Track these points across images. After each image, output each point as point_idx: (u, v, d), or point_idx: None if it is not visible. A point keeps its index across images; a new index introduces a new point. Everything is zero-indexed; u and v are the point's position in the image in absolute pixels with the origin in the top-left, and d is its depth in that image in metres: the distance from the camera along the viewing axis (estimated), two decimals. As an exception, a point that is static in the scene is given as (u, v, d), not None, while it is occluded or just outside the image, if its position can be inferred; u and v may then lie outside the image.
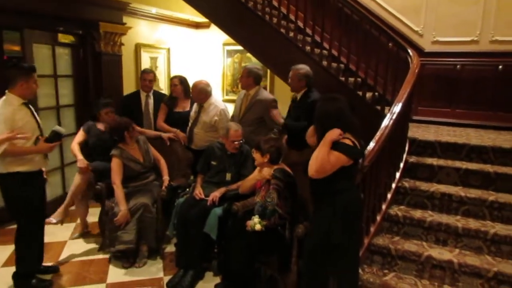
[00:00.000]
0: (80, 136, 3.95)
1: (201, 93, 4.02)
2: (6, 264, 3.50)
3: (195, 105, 4.17)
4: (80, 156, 3.75)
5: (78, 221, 4.23)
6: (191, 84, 4.47)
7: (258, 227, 2.79)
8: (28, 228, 3.01)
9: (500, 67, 4.61)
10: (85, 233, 4.09)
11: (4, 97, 2.86)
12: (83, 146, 3.91)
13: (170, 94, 4.56)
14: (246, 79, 3.96)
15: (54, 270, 3.34)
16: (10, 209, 3.00)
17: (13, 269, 3.10)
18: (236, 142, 3.45)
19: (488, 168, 3.43)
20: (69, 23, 4.56)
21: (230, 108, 4.46)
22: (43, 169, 3.09)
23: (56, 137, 3.00)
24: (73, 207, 3.93)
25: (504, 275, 2.71)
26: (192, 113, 4.16)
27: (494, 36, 4.68)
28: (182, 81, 4.38)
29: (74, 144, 3.87)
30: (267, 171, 3.00)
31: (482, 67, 4.72)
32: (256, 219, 2.84)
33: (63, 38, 4.60)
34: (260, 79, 4.02)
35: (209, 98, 4.05)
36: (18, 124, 2.81)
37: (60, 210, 3.72)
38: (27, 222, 2.99)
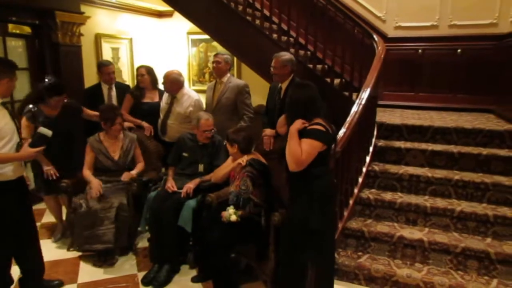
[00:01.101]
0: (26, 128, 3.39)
1: (174, 84, 3.89)
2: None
3: (165, 96, 4.04)
4: (45, 162, 3.44)
5: (44, 221, 4.02)
6: (157, 74, 4.34)
7: (233, 218, 2.75)
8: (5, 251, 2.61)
9: (459, 50, 4.77)
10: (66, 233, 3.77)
11: None
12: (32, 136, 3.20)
13: (136, 84, 4.38)
14: (225, 65, 3.93)
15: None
16: None
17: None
18: (207, 132, 3.37)
19: (452, 148, 3.55)
20: (21, 12, 4.24)
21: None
22: (24, 174, 2.74)
23: (41, 141, 2.62)
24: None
25: (471, 250, 2.84)
26: (164, 105, 4.02)
27: (453, 21, 4.82)
28: (149, 71, 4.22)
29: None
30: (241, 159, 2.96)
31: (442, 51, 4.87)
32: (231, 210, 2.80)
33: (14, 28, 4.29)
34: (231, 66, 3.99)
35: (181, 88, 3.95)
36: None
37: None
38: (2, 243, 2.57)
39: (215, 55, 3.99)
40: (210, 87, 4.10)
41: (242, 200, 2.81)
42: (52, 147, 3.16)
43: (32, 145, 2.58)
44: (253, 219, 2.81)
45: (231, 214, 2.76)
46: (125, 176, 3.45)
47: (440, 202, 3.20)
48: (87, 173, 3.45)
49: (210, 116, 3.45)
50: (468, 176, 3.32)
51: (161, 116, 4.01)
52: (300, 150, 2.26)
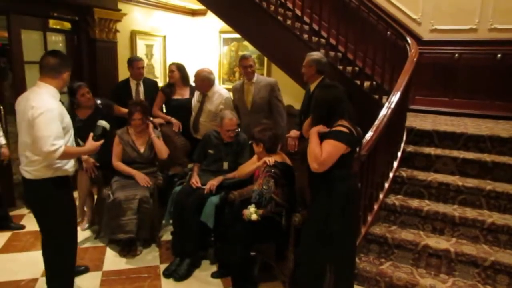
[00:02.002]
0: None
1: (205, 81, 3.93)
2: (2, 251, 3.45)
3: (197, 94, 4.10)
4: (84, 156, 3.59)
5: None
6: (189, 72, 4.40)
7: (254, 217, 2.74)
8: (66, 236, 2.60)
9: (499, 55, 4.56)
10: (94, 222, 3.91)
11: (41, 88, 2.38)
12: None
13: (167, 81, 4.47)
14: (254, 67, 3.89)
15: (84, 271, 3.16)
16: (44, 218, 2.53)
17: (9, 256, 3.00)
18: (230, 132, 3.39)
19: (486, 157, 3.40)
20: (62, 8, 4.43)
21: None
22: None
23: (102, 134, 2.59)
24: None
25: (501, 264, 2.70)
26: (195, 103, 4.07)
27: (493, 24, 4.61)
28: (180, 67, 4.30)
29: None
30: (268, 158, 2.95)
31: (480, 56, 4.67)
32: (252, 208, 2.80)
33: (55, 24, 4.47)
34: None
35: (212, 86, 3.98)
36: (64, 120, 2.40)
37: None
38: (64, 230, 2.57)
39: (245, 59, 3.83)
40: (238, 88, 4.01)
41: (264, 199, 2.80)
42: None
43: (96, 138, 2.57)
44: (274, 219, 2.80)
45: (251, 213, 2.76)
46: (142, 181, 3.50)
47: (470, 212, 3.07)
48: (119, 164, 3.56)
49: (234, 115, 3.46)
50: (501, 187, 3.17)
51: (193, 114, 4.06)
52: (319, 151, 2.23)
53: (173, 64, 4.37)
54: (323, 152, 2.22)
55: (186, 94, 4.29)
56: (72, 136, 2.54)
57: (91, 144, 2.55)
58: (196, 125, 4.03)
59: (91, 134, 2.60)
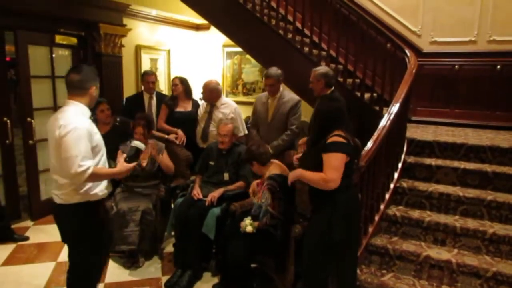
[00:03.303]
0: None
1: (213, 92, 4.01)
2: (6, 263, 3.47)
3: (203, 106, 4.16)
4: None
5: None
6: (192, 85, 4.47)
7: (249, 229, 2.76)
8: (93, 266, 2.45)
9: (498, 66, 4.56)
10: None
11: (69, 106, 2.23)
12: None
13: (171, 94, 4.53)
14: (277, 83, 3.77)
15: None
16: (73, 248, 2.37)
17: (13, 268, 2.99)
18: (223, 136, 3.41)
19: (486, 167, 3.38)
20: (69, 24, 4.53)
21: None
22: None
23: (136, 155, 2.41)
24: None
25: (503, 275, 2.67)
26: (202, 113, 4.12)
27: (492, 36, 4.63)
28: (183, 81, 4.36)
29: None
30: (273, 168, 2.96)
31: (480, 67, 4.67)
32: (247, 220, 2.81)
33: (61, 39, 4.56)
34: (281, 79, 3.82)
35: (220, 97, 4.07)
36: (94, 139, 2.24)
37: None
38: (92, 260, 2.41)
39: (266, 78, 3.78)
40: (262, 101, 3.96)
41: (261, 212, 2.80)
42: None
43: (129, 160, 2.38)
44: (270, 232, 2.79)
45: (247, 225, 2.78)
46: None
47: (471, 223, 3.04)
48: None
49: (232, 123, 3.50)
50: (502, 197, 3.14)
51: (201, 124, 4.09)
52: (319, 174, 2.23)
53: (176, 77, 4.44)
54: (325, 169, 2.22)
55: (188, 107, 4.34)
56: (104, 156, 2.36)
57: (123, 165, 2.33)
58: (205, 135, 4.06)
59: (123, 155, 2.46)
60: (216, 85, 4.05)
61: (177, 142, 4.08)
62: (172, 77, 6.20)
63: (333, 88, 3.46)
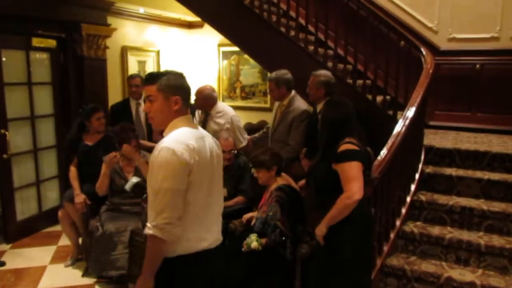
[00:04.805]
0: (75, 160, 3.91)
1: (207, 100, 4.04)
2: (52, 261, 3.87)
3: (197, 114, 4.21)
4: (78, 190, 3.73)
5: (60, 244, 4.23)
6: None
7: (254, 244, 2.75)
8: None
9: (525, 65, 4.63)
10: (79, 258, 3.97)
11: None
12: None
13: None
14: (278, 89, 3.77)
15: None
16: None
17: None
18: (225, 153, 3.45)
19: (513, 178, 3.42)
20: (47, 25, 4.57)
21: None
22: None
23: (133, 191, 2.72)
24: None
25: (533, 297, 2.70)
26: (197, 123, 4.14)
27: (517, 32, 4.70)
28: None
29: (73, 171, 3.84)
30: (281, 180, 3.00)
31: (503, 66, 4.73)
32: (253, 236, 2.82)
33: (38, 42, 4.63)
34: (291, 84, 3.79)
35: (215, 104, 4.09)
36: None
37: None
38: None
39: (268, 79, 3.85)
40: (275, 108, 3.99)
41: (268, 227, 2.81)
42: (86, 175, 3.74)
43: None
44: (278, 251, 2.81)
45: (252, 240, 2.76)
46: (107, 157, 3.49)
47: (497, 240, 3.07)
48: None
49: (230, 136, 3.53)
50: (532, 210, 3.19)
51: None
52: (339, 200, 2.27)
53: None
54: (344, 183, 2.26)
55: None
56: None
57: None
58: None
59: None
60: (211, 91, 4.08)
61: None
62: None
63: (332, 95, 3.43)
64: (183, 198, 1.78)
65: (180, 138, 1.81)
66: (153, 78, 1.90)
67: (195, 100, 4.15)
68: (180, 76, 1.99)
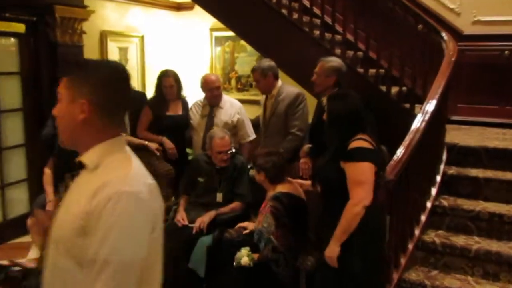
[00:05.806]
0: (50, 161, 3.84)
1: (219, 91, 4.12)
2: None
3: (197, 108, 4.22)
4: (51, 196, 3.65)
5: (30, 256, 4.18)
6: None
7: (245, 260, 2.75)
8: None
9: (560, 51, 4.61)
10: None
11: None
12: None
13: (156, 95, 4.44)
14: (264, 79, 3.81)
15: None
16: None
17: None
18: (222, 154, 3.42)
19: (548, 180, 3.40)
20: (15, 7, 4.51)
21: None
22: None
23: None
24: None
25: None
26: (199, 118, 4.17)
27: (552, 13, 4.68)
28: (178, 79, 4.32)
29: (48, 174, 3.79)
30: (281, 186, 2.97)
31: (537, 53, 4.72)
32: (244, 250, 2.79)
33: (5, 26, 4.56)
34: (277, 71, 3.89)
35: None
36: None
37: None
38: None
39: (252, 71, 3.96)
40: (261, 102, 4.09)
41: (263, 240, 2.81)
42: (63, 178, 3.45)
43: None
44: (271, 267, 2.78)
45: (243, 255, 2.76)
46: None
47: (531, 251, 3.05)
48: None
49: (227, 133, 3.52)
50: None
51: (200, 133, 4.12)
52: (345, 211, 2.25)
53: (168, 75, 4.33)
54: (350, 187, 2.25)
55: (179, 109, 4.34)
56: None
57: None
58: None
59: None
60: (220, 82, 4.21)
61: (157, 153, 4.07)
62: (147, 69, 6.24)
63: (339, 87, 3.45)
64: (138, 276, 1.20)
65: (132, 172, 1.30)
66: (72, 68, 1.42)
67: (204, 91, 4.14)
68: (114, 72, 1.39)
